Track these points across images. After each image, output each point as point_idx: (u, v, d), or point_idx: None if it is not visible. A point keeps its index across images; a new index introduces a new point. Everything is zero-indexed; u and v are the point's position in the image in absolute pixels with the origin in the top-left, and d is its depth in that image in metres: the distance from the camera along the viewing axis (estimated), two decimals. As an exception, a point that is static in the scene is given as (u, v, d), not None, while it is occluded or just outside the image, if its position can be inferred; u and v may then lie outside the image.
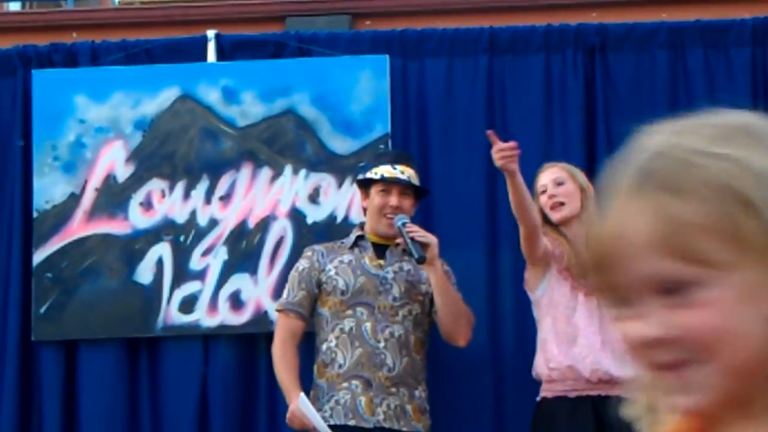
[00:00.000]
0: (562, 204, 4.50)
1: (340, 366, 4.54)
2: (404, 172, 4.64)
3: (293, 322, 4.64)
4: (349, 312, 4.57)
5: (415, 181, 4.68)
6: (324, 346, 4.60)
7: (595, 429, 4.36)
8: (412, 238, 4.43)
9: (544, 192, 4.54)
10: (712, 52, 5.14)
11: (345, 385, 4.52)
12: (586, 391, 4.41)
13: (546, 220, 4.53)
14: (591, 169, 5.03)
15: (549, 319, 4.50)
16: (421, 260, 4.42)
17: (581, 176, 4.56)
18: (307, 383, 4.62)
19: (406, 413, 4.52)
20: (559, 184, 4.52)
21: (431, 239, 4.46)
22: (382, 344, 4.53)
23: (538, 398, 4.52)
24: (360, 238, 4.71)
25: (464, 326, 4.58)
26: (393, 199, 4.60)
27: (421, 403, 4.58)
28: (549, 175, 4.55)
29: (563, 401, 4.43)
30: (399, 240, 4.53)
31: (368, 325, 4.54)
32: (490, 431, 5.05)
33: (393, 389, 4.51)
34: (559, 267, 4.49)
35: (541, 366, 4.48)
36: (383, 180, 4.62)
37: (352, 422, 4.48)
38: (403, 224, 4.48)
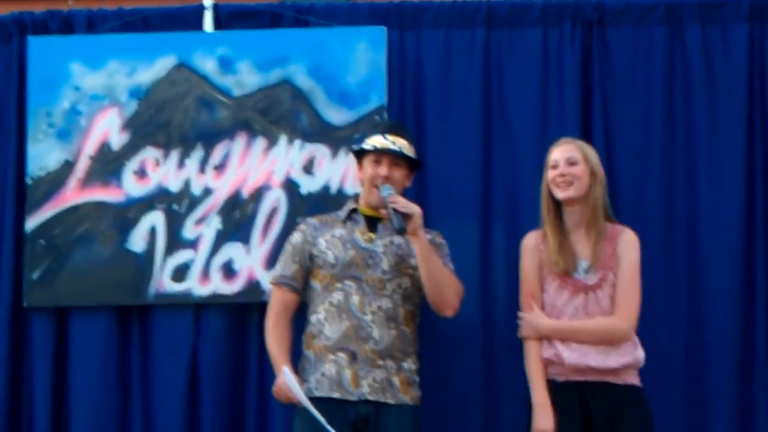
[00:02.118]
0: (570, 184, 4.50)
1: (328, 338, 4.54)
2: (395, 143, 4.64)
3: (286, 295, 4.65)
4: (339, 285, 4.57)
5: (408, 151, 4.66)
6: (313, 318, 4.60)
7: (580, 413, 4.41)
8: (394, 209, 4.43)
9: (555, 167, 4.54)
10: (710, 28, 5.13)
11: (331, 357, 4.52)
12: (572, 376, 4.45)
13: (550, 196, 4.55)
14: (587, 142, 5.04)
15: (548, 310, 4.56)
16: (400, 231, 4.43)
17: (595, 158, 4.57)
18: (299, 355, 4.63)
19: (393, 386, 4.51)
20: (572, 163, 4.52)
21: (414, 210, 4.46)
22: (369, 317, 4.52)
23: None
24: (353, 211, 4.71)
25: (450, 297, 4.56)
26: (383, 169, 4.61)
27: (409, 375, 4.57)
28: (563, 152, 4.55)
29: (552, 384, 4.48)
30: (383, 210, 4.53)
31: (356, 298, 4.54)
32: (481, 404, 5.04)
33: (380, 362, 4.50)
34: (547, 268, 4.54)
35: None
36: (375, 150, 4.62)
37: (336, 395, 4.48)
38: (388, 195, 4.48)
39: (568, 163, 4.52)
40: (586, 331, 4.43)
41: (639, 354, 4.47)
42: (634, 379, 4.46)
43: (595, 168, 4.54)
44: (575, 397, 4.42)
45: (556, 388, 4.46)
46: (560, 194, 4.51)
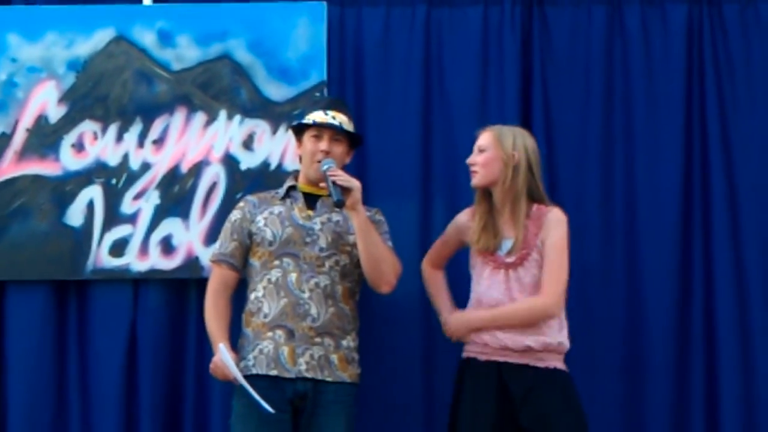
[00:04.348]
0: (476, 172, 4.54)
1: (266, 316, 4.53)
2: (336, 118, 4.63)
3: (225, 272, 4.63)
4: (276, 262, 4.56)
5: (348, 127, 4.66)
6: (252, 296, 4.59)
7: (495, 392, 4.43)
8: (333, 182, 4.43)
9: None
10: (649, 9, 5.16)
11: (269, 334, 4.51)
12: (492, 356, 4.46)
13: None
14: (526, 122, 5.06)
15: (473, 289, 4.60)
16: (339, 204, 4.42)
17: (509, 145, 4.52)
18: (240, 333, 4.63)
19: (331, 363, 4.52)
20: (481, 151, 4.54)
21: (354, 184, 4.45)
22: (306, 294, 4.52)
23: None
24: (292, 188, 4.69)
25: (387, 273, 4.55)
26: (324, 144, 4.60)
27: (348, 352, 4.58)
28: (479, 140, 4.58)
29: (473, 362, 4.51)
30: (322, 184, 4.52)
31: (294, 275, 4.54)
32: (419, 381, 5.08)
33: (317, 339, 4.51)
34: (472, 246, 4.58)
35: None
36: (315, 125, 4.62)
37: (273, 372, 4.47)
38: (328, 168, 4.48)
39: (477, 151, 4.56)
40: (510, 313, 4.45)
41: (560, 337, 4.47)
42: (557, 363, 4.47)
43: (508, 153, 4.51)
44: (494, 376, 4.44)
45: (477, 367, 4.49)
46: (472, 182, 4.57)
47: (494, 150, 4.53)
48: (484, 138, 4.57)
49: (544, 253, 4.48)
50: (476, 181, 4.55)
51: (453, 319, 4.59)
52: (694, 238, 5.07)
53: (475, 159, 4.55)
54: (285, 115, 5.08)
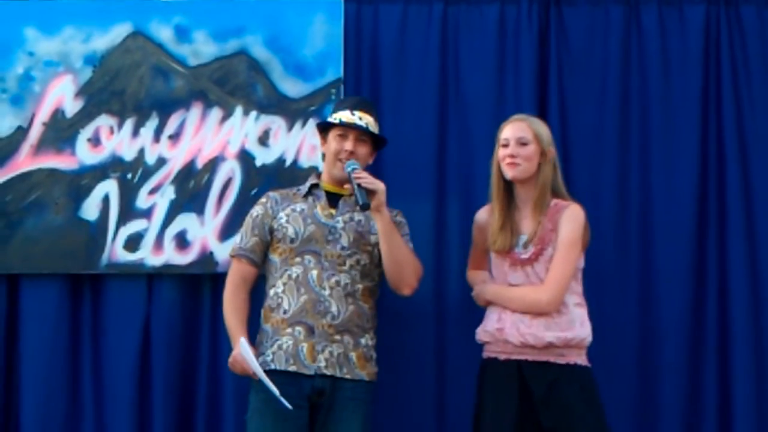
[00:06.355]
0: (519, 164, 4.48)
1: (285, 312, 4.54)
2: (362, 119, 4.63)
3: (245, 267, 4.64)
4: (298, 259, 4.57)
5: (373, 128, 4.67)
6: (272, 292, 4.60)
7: (518, 390, 4.42)
8: (358, 185, 4.43)
9: (505, 146, 4.52)
10: (666, 9, 5.16)
11: (288, 330, 4.52)
12: (512, 355, 4.45)
13: (500, 174, 4.53)
14: (542, 120, 5.05)
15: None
16: (364, 207, 4.42)
17: (546, 137, 4.53)
18: (258, 328, 4.63)
19: (350, 361, 4.53)
20: (523, 144, 4.50)
21: (379, 186, 4.45)
22: (327, 292, 4.53)
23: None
24: (314, 186, 4.69)
25: (409, 276, 4.57)
26: (348, 144, 4.60)
27: (367, 351, 4.58)
28: (514, 131, 4.52)
29: (494, 363, 4.50)
30: (347, 186, 4.53)
31: (315, 272, 4.54)
32: (433, 381, 5.08)
33: (336, 336, 4.51)
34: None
35: (478, 330, 4.57)
36: (341, 124, 4.61)
37: (292, 368, 4.48)
38: (353, 170, 4.48)
39: (519, 143, 4.50)
40: (509, 296, 4.47)
41: (582, 332, 4.45)
42: (577, 359, 4.46)
43: (546, 147, 4.52)
44: (515, 376, 4.43)
45: (497, 367, 4.48)
46: (509, 174, 4.51)
47: (535, 144, 4.50)
48: (522, 130, 4.51)
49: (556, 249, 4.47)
50: (517, 174, 4.48)
51: (478, 288, 4.60)
52: (709, 236, 5.07)
53: (519, 151, 4.48)
54: (301, 112, 5.09)
